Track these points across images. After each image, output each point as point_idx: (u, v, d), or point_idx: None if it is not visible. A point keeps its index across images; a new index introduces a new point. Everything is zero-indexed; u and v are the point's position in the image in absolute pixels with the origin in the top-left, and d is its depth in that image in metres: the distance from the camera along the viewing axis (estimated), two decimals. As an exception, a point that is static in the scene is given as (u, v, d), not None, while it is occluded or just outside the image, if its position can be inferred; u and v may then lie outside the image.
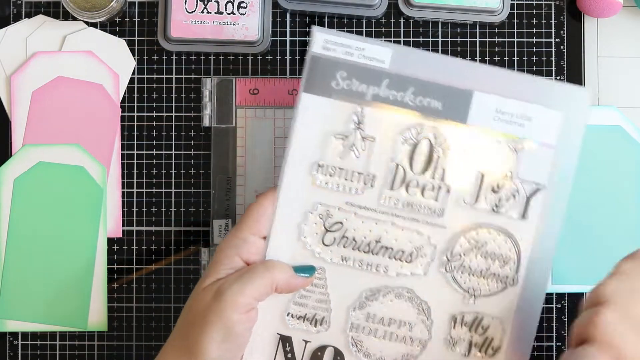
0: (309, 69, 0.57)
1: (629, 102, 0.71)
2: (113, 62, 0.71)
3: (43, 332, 0.70)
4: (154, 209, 0.70)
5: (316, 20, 0.71)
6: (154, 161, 0.71)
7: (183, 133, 0.71)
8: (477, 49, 0.71)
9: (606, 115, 0.70)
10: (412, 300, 0.58)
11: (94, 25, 0.71)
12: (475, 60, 0.71)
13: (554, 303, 0.70)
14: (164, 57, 0.71)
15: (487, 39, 0.71)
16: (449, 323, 0.58)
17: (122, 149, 0.71)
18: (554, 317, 0.70)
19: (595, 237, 0.69)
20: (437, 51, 0.71)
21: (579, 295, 0.70)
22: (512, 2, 0.71)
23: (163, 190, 0.71)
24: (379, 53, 0.57)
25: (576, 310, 0.70)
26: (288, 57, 0.71)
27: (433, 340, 0.58)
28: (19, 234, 0.69)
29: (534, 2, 0.71)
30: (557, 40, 0.71)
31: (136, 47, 0.71)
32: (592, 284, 0.69)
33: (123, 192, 0.70)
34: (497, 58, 0.71)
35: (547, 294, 0.70)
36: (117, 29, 0.71)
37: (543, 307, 0.70)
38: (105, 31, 0.71)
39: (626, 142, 0.70)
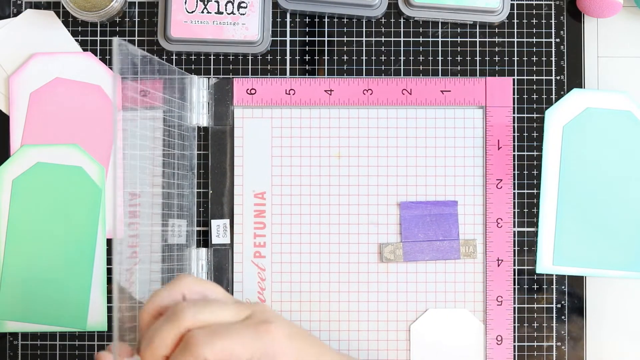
0: None
1: (629, 102, 0.71)
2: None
3: (43, 332, 0.70)
4: (153, 209, 0.71)
5: (316, 20, 0.71)
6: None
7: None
8: (477, 49, 0.71)
9: (616, 99, 0.70)
10: None
11: (94, 25, 0.71)
12: (476, 60, 0.71)
13: (554, 303, 0.70)
14: (164, 57, 0.71)
15: (487, 39, 0.71)
16: None
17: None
18: (554, 317, 0.70)
19: (601, 220, 0.70)
20: (437, 51, 0.71)
21: (580, 291, 0.70)
22: (512, 2, 0.71)
23: (163, 190, 0.71)
24: None
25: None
26: (288, 57, 0.71)
27: None
28: (18, 235, 0.69)
29: (534, 2, 0.71)
30: (557, 40, 0.71)
31: (136, 47, 0.71)
32: (594, 267, 0.69)
33: (122, 192, 0.71)
34: (497, 58, 0.71)
35: (548, 289, 0.70)
36: (117, 29, 0.71)
37: (543, 307, 0.70)
38: (105, 31, 0.71)
39: (636, 127, 0.70)
